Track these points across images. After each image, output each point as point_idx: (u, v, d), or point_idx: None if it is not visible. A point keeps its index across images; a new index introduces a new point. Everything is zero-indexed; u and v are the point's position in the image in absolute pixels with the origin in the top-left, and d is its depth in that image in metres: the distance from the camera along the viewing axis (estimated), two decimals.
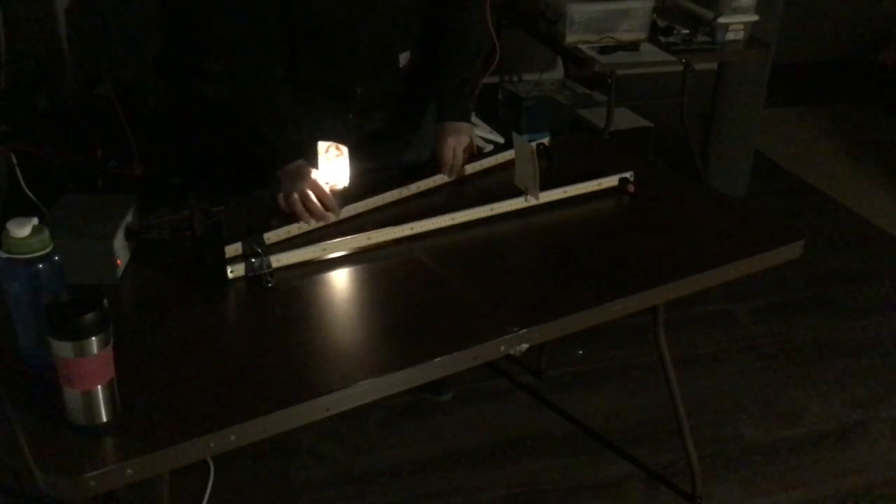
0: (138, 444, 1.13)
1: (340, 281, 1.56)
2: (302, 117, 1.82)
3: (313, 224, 1.68)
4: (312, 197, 1.68)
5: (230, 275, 1.49)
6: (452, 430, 2.32)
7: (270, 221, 1.67)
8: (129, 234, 1.52)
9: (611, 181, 1.87)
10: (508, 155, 1.99)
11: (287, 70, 1.79)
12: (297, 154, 1.74)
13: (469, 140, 1.94)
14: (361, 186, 1.78)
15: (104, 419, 1.14)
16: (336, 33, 1.78)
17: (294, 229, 1.66)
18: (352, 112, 1.92)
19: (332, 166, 1.71)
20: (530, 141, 2.02)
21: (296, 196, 1.67)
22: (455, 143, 1.90)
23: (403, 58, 1.88)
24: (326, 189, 1.71)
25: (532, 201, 1.77)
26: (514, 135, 1.86)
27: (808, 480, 2.21)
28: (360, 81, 1.87)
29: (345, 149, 1.71)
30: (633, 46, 3.04)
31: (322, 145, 1.69)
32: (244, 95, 1.81)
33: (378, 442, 2.27)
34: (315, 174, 1.72)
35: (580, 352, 2.64)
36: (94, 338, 1.10)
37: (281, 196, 1.71)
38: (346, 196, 1.74)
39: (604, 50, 2.99)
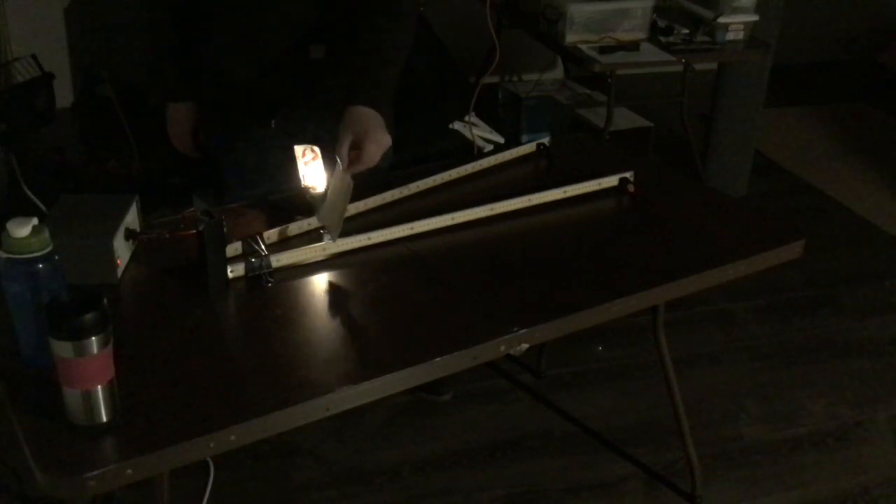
0: (138, 444, 1.13)
1: (340, 281, 1.56)
2: (226, 132, 1.91)
3: (310, 225, 1.67)
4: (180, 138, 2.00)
5: (230, 275, 1.49)
6: (452, 430, 2.32)
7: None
8: (129, 234, 1.52)
9: (611, 181, 1.87)
10: (508, 155, 1.99)
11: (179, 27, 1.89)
12: (172, 95, 1.97)
13: (379, 135, 1.57)
14: (360, 186, 1.78)
15: (104, 419, 1.14)
16: (238, 12, 1.76)
17: (294, 229, 1.66)
18: (274, 119, 1.86)
19: (310, 169, 1.69)
20: (530, 141, 2.03)
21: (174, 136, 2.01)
22: (353, 137, 1.57)
23: (316, 51, 1.78)
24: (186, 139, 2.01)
25: (333, 242, 1.58)
26: (337, 166, 1.55)
27: (808, 480, 2.22)
28: (268, 72, 1.82)
29: (318, 150, 1.68)
30: (633, 46, 3.03)
31: (298, 149, 1.67)
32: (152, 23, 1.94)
33: (378, 442, 2.27)
34: (181, 121, 1.99)
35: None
36: (94, 338, 1.10)
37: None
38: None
39: (604, 50, 2.99)
